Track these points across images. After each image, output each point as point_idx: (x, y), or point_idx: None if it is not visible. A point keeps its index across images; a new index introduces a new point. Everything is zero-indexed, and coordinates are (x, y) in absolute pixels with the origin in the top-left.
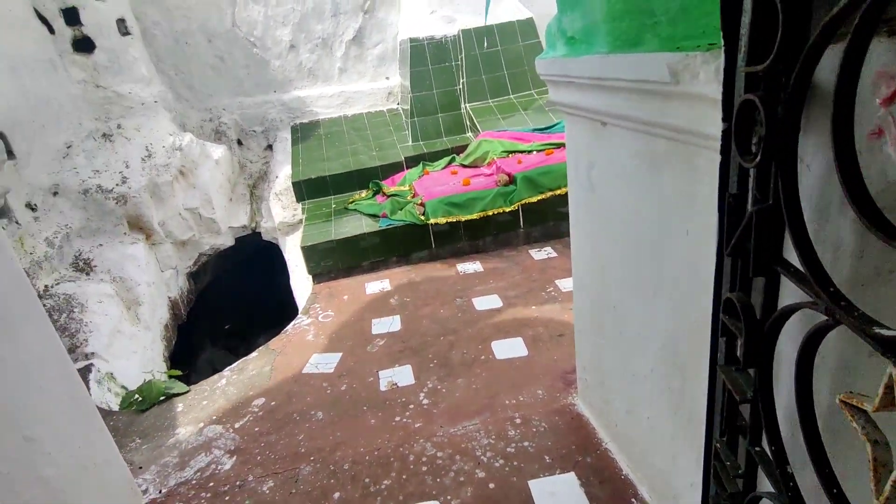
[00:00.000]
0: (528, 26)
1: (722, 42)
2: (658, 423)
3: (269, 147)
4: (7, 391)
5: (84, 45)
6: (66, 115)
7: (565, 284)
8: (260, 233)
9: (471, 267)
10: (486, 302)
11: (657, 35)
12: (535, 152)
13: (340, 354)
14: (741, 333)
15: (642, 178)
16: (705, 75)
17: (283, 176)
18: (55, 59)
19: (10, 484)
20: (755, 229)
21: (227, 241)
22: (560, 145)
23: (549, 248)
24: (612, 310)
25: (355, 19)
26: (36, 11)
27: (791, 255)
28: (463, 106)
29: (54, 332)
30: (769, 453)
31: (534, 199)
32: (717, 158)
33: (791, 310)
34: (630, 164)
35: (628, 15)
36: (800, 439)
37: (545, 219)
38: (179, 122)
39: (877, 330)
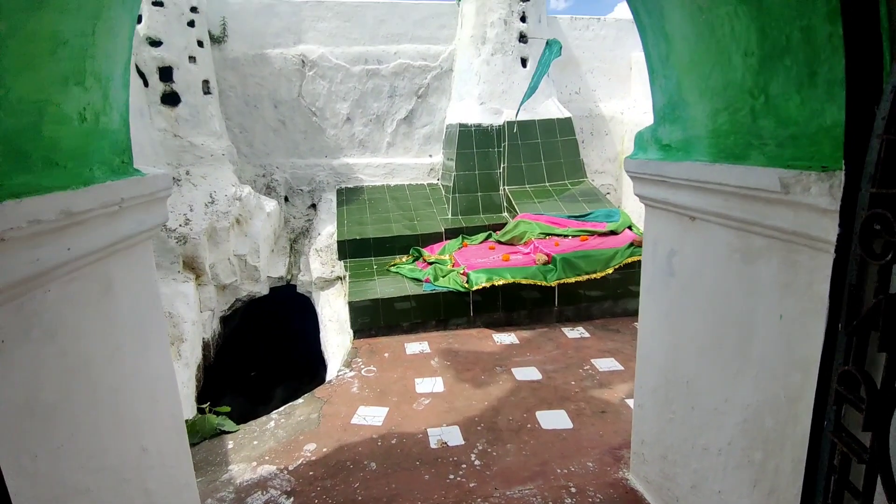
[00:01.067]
0: (566, 124)
1: (843, 167)
2: (731, 497)
3: (313, 206)
4: (136, 401)
5: (171, 99)
6: (144, 158)
7: (602, 364)
8: (295, 285)
9: (507, 338)
10: (526, 373)
11: (764, 154)
12: (570, 237)
13: (387, 409)
14: (863, 402)
15: (734, 268)
16: (818, 189)
17: (324, 234)
18: (144, 109)
19: (127, 490)
20: (884, 313)
21: (262, 290)
22: (594, 233)
23: (581, 328)
24: (685, 385)
25: (409, 102)
26: (136, 67)
27: None
28: (501, 188)
29: (170, 352)
30: None
31: (571, 280)
32: (820, 255)
33: None
34: (720, 254)
35: (734, 134)
36: None
37: (579, 300)
38: (237, 174)
39: None
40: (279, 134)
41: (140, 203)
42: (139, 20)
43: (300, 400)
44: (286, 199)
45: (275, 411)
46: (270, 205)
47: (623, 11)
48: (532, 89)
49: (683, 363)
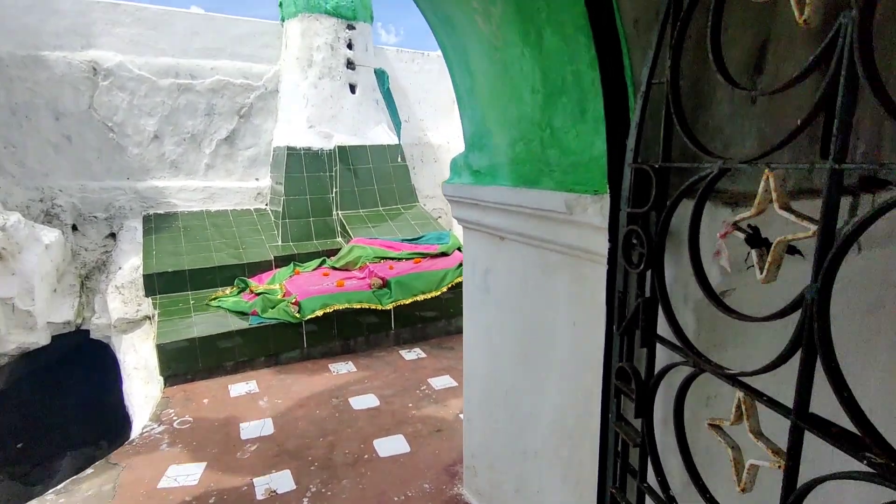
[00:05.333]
0: (396, 151)
1: (608, 191)
2: (547, 494)
3: (112, 235)
4: None
5: None
6: None
7: (437, 383)
8: (88, 330)
9: (344, 367)
10: (363, 401)
11: (552, 179)
12: (404, 260)
13: (205, 464)
14: (633, 392)
15: (536, 282)
16: (593, 210)
17: (127, 267)
18: None
19: None
20: (642, 314)
21: (40, 340)
22: (427, 255)
23: (418, 349)
24: (504, 395)
25: (230, 121)
26: None
27: (661, 332)
28: (335, 212)
29: None
30: (656, 484)
31: (407, 301)
32: (599, 268)
33: (668, 368)
34: (525, 270)
35: (529, 162)
36: (673, 472)
37: (415, 321)
38: (1, 199)
39: (727, 371)
40: (63, 151)
41: None
42: None
43: (89, 470)
44: (74, 227)
45: (51, 491)
46: (50, 235)
47: None
48: (398, 125)
49: (502, 374)
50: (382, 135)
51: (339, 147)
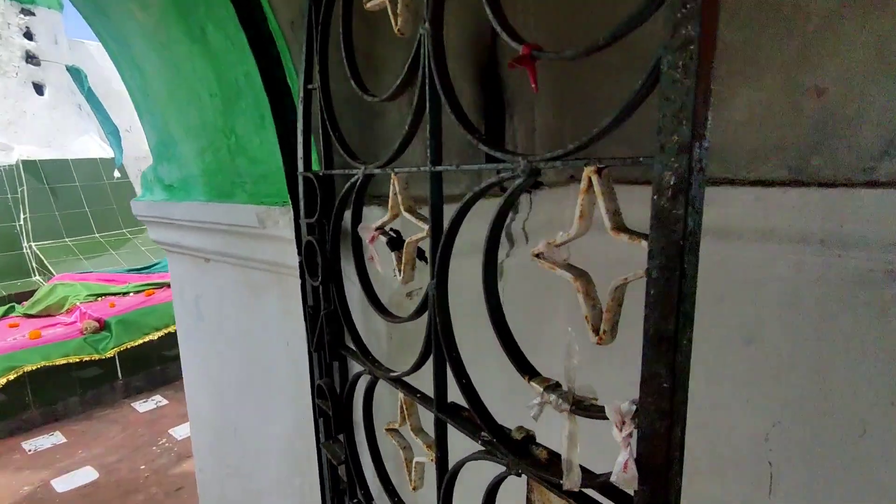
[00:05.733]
0: (113, 165)
1: (290, 201)
2: None
3: None
4: None
5: None
6: None
7: (181, 432)
8: None
9: (46, 441)
10: (74, 479)
11: (245, 191)
12: (132, 294)
13: None
14: (329, 409)
15: (246, 303)
16: (283, 222)
17: None
18: None
19: None
20: (326, 327)
21: None
22: (162, 285)
23: (157, 397)
24: (234, 433)
25: None
26: None
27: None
28: (25, 245)
29: None
30: (361, 498)
31: (136, 343)
32: (298, 282)
33: (356, 378)
34: (234, 292)
35: (221, 173)
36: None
37: (149, 364)
38: None
39: (391, 374)
40: None
41: None
42: None
43: None
44: None
45: None
46: None
47: None
48: (113, 133)
49: (228, 411)
50: (92, 146)
51: (24, 162)
